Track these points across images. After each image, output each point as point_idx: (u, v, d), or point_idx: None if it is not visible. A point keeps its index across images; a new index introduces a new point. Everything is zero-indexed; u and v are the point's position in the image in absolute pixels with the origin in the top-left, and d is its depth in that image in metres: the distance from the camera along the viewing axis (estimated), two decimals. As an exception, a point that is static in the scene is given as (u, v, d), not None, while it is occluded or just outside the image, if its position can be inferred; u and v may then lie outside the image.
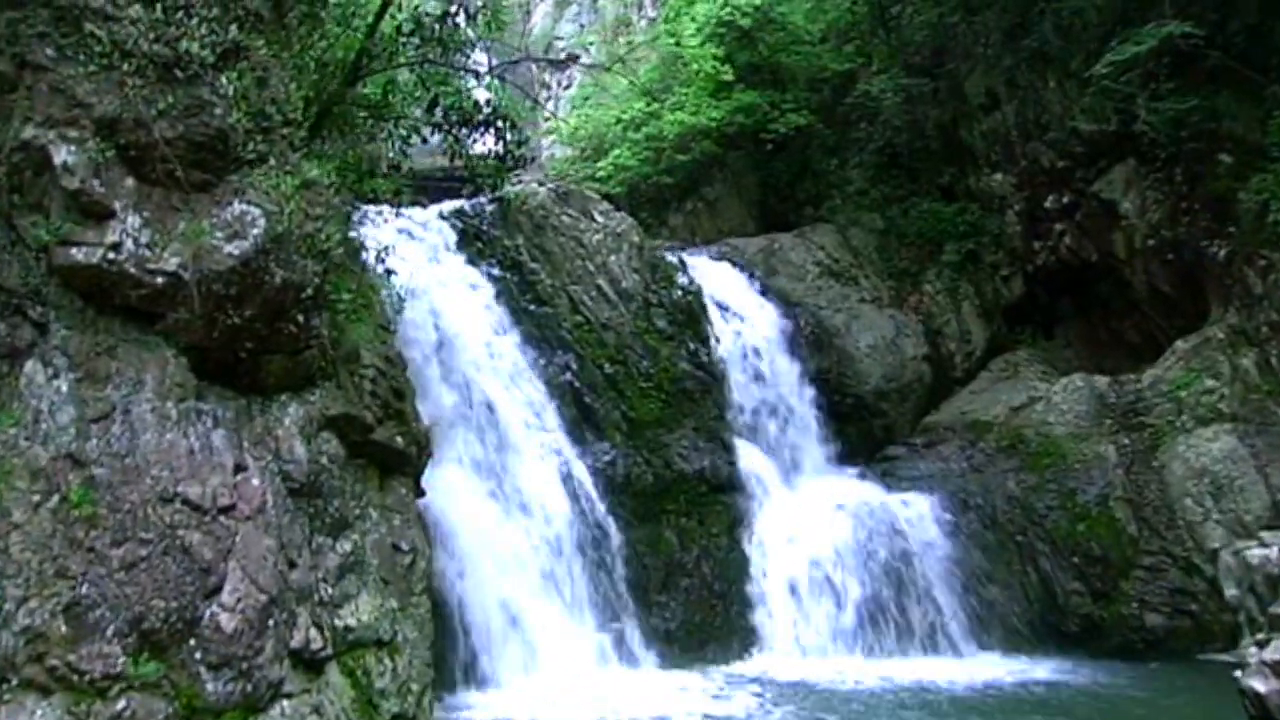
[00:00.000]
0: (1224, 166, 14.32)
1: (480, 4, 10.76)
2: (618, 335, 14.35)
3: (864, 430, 15.47)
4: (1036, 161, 16.67)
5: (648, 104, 17.41)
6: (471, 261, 14.40)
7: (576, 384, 13.81)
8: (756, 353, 15.01)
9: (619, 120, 18.02)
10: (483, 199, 15.06)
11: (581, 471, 13.07)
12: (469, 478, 12.29)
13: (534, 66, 35.78)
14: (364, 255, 13.05)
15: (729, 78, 16.56)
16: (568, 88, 34.53)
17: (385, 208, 12.51)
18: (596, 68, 17.59)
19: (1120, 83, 14.47)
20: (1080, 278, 16.56)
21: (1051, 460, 13.72)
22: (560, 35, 35.69)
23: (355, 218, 12.87)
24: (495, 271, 14.45)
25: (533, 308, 14.32)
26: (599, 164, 18.20)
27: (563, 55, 35.60)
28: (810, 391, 15.12)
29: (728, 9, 16.24)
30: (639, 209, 19.14)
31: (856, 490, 14.16)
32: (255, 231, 7.74)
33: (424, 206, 15.38)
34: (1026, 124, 16.79)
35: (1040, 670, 12.25)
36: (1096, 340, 17.00)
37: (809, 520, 13.67)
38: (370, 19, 10.35)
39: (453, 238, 14.52)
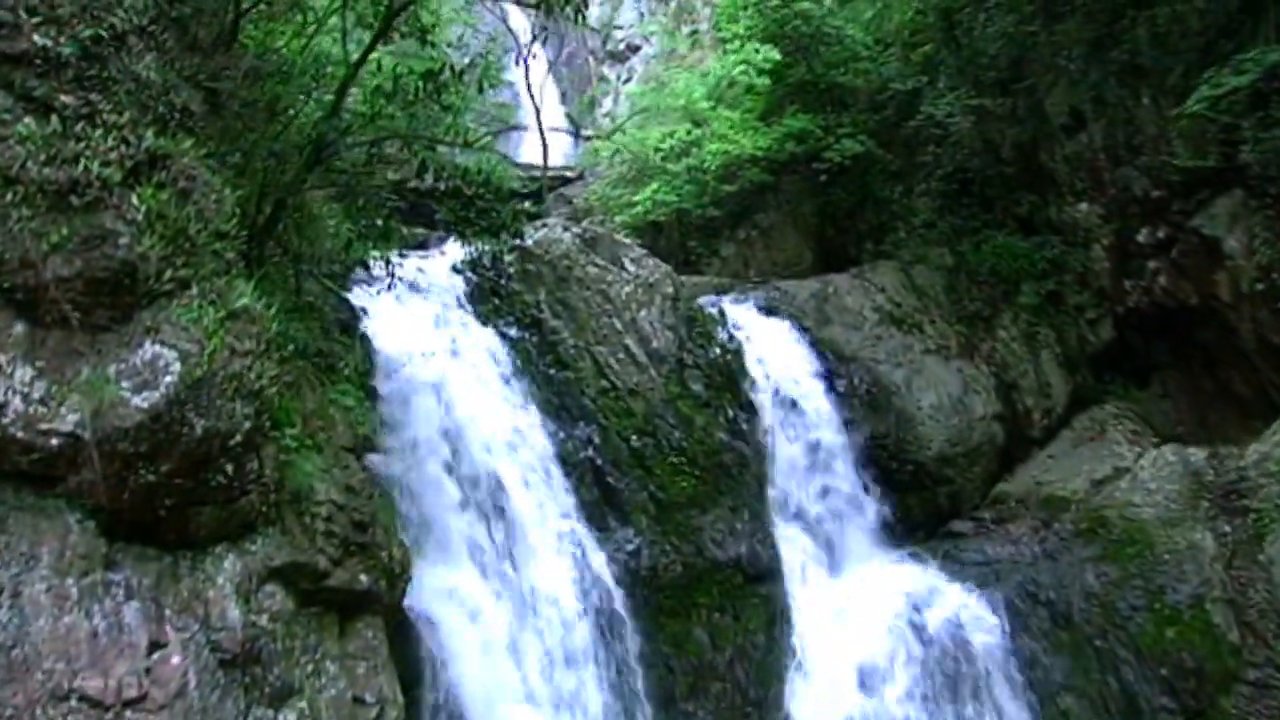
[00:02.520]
0: (1347, 205, 12.75)
1: (467, 61, 9.73)
2: (647, 403, 13.35)
3: (926, 500, 14.27)
4: (1127, 190, 15.16)
5: (688, 131, 16.29)
6: (485, 320, 13.54)
7: (599, 461, 12.85)
8: (803, 417, 13.88)
9: (658, 148, 16.94)
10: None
11: (601, 564, 12.13)
12: (470, 578, 11.43)
13: (590, 59, 34.87)
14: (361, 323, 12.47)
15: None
16: (627, 81, 33.44)
17: (385, 266, 11.76)
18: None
19: (1221, 109, 12.98)
20: (1178, 321, 15.05)
21: (1137, 550, 12.37)
22: (620, 24, 34.54)
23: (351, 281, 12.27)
24: (512, 332, 13.57)
25: (553, 372, 13.40)
26: (637, 196, 17.16)
27: (621, 45, 34.56)
28: (864, 460, 13.95)
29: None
30: (688, 237, 18.21)
31: (913, 578, 12.98)
32: (168, 379, 6.95)
33: (442, 242, 14.64)
34: (1116, 147, 15.27)
35: (1122, 799, 11.04)
36: (1199, 390, 15.47)
37: (857, 614, 12.58)
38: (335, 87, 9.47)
39: (464, 293, 13.66)
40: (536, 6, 8.89)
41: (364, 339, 12.31)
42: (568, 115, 34.86)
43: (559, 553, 12.03)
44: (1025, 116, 16.05)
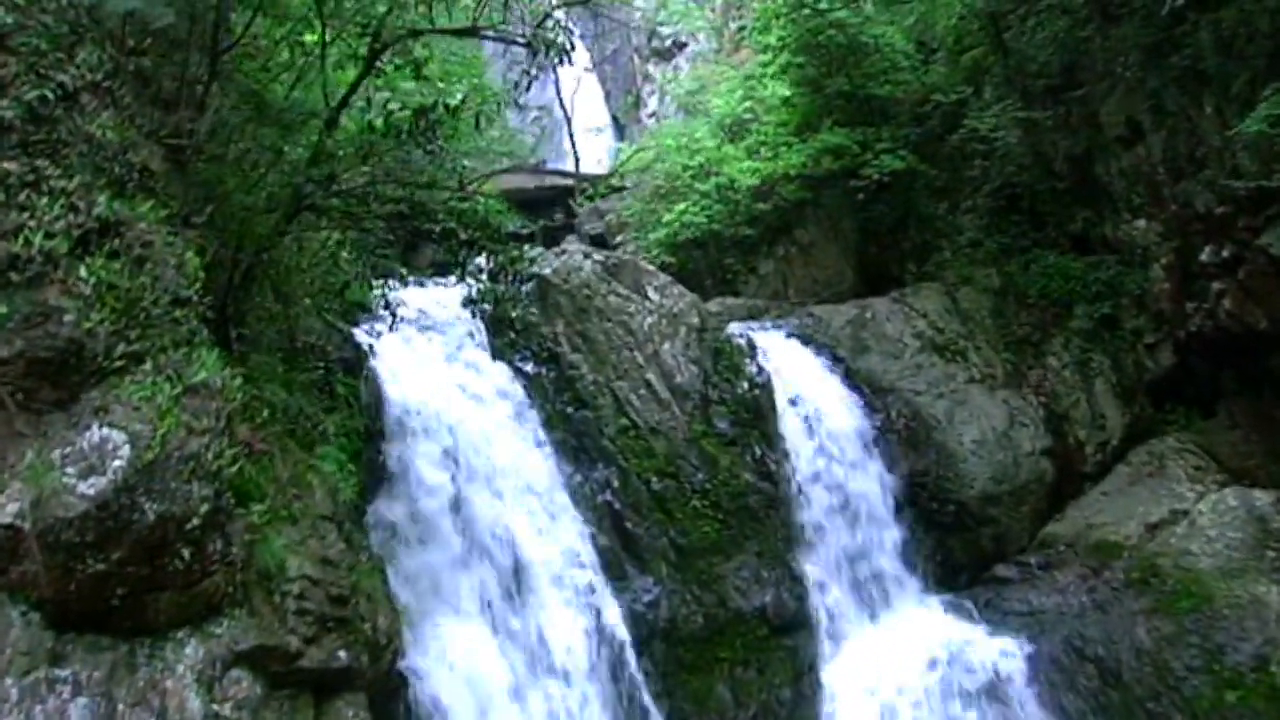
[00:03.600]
0: None
1: (461, 98, 9.36)
2: (669, 442, 12.93)
3: (969, 543, 13.64)
4: (1189, 205, 14.32)
5: (717, 147, 15.78)
6: (499, 355, 13.20)
7: (617, 505, 12.47)
8: (835, 455, 13.35)
9: (686, 167, 16.45)
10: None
11: (617, 616, 11.74)
12: (476, 633, 11.11)
13: (636, 57, 34.44)
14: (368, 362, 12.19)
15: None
16: (672, 80, 32.94)
17: (385, 307, 11.45)
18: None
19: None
20: (1246, 347, 14.20)
21: (1193, 603, 11.65)
22: (664, 20, 33.98)
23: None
24: (528, 367, 13.23)
25: (570, 411, 13.03)
26: (666, 217, 16.70)
27: (668, 42, 34.06)
28: (902, 500, 13.40)
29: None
30: (725, 254, 17.75)
31: (952, 630, 12.42)
32: (117, 463, 6.67)
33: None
34: (1177, 159, 14.44)
35: None
36: (1271, 421, 14.52)
37: (890, 669, 12.05)
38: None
39: (478, 326, 13.30)
40: (526, 45, 8.50)
41: (369, 378, 12.05)
42: (613, 116, 34.51)
43: (572, 604, 11.68)
44: (1079, 127, 15.29)
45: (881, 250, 16.86)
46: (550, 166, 26.21)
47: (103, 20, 7.40)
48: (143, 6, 7.40)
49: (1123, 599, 12.10)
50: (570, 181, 22.50)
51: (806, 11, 15.02)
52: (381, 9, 8.96)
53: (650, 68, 33.86)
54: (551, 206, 22.91)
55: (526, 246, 10.89)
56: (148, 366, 6.98)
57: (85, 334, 6.69)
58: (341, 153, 9.68)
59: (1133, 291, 14.73)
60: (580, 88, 28.11)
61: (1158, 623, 11.69)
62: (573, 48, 8.47)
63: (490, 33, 9.06)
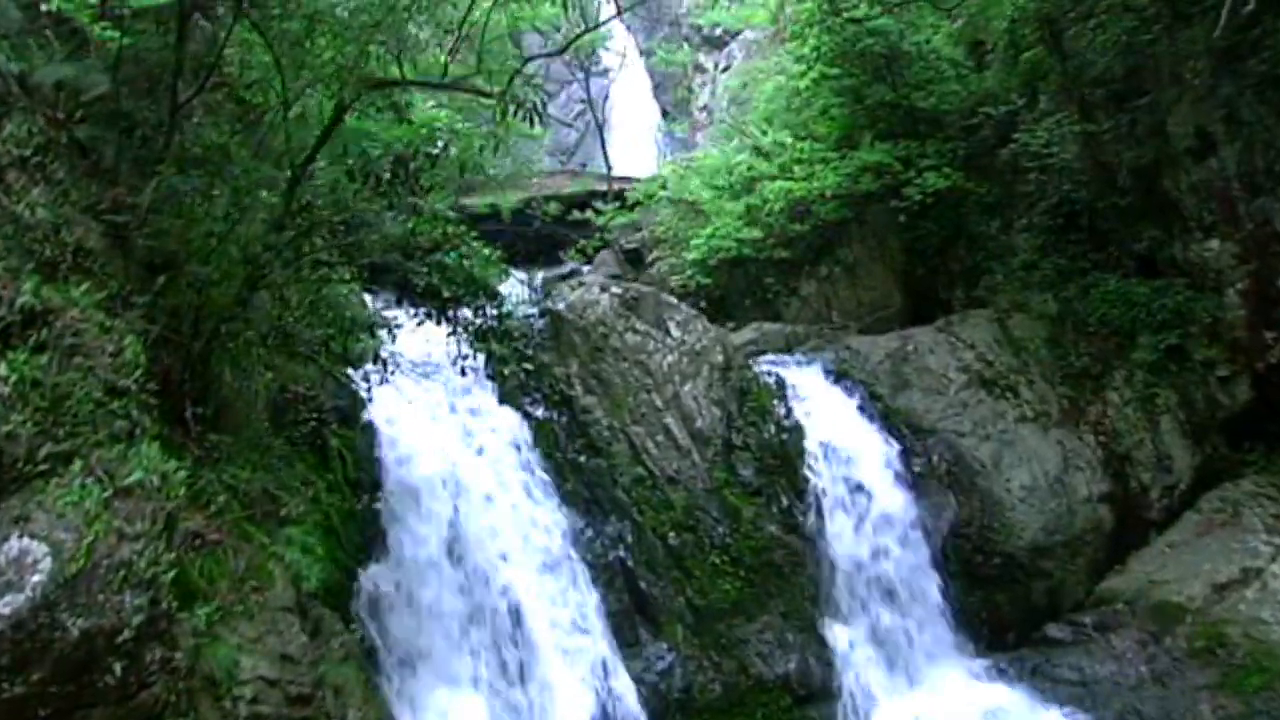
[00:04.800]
0: None
1: (441, 145, 9.03)
2: (688, 493, 12.52)
3: (1017, 598, 13.03)
4: (1267, 224, 13.60)
5: (748, 167, 15.28)
6: (507, 399, 12.86)
7: (630, 562, 12.09)
8: (870, 504, 12.83)
9: (716, 187, 15.98)
10: (531, 309, 13.59)
11: (627, 687, 11.37)
12: (475, 705, 10.83)
13: (686, 46, 33.87)
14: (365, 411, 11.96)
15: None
16: (725, 69, 32.42)
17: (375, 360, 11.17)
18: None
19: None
20: (1331, 381, 13.44)
21: (1265, 679, 10.97)
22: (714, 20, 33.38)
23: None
24: (539, 412, 12.89)
25: (582, 459, 12.67)
26: (694, 240, 16.24)
27: (718, 30, 33.49)
28: (943, 552, 12.84)
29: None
30: (764, 274, 17.22)
31: (995, 699, 11.85)
32: (37, 578, 6.43)
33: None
34: (1253, 173, 13.69)
35: None
36: (1361, 463, 13.79)
37: (927, 746, 11.52)
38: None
39: (485, 368, 12.96)
40: (497, 99, 8.12)
41: (365, 428, 11.83)
42: (663, 109, 34.06)
43: (579, 674, 11.33)
44: (1144, 138, 14.52)
45: (929, 272, 16.22)
46: (590, 169, 25.86)
47: (33, 90, 7.16)
48: (76, 73, 7.14)
49: (1185, 671, 11.45)
50: (615, 185, 22.10)
51: (842, 20, 14.44)
52: (349, 52, 8.63)
53: (701, 57, 33.31)
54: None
55: (516, 299, 10.51)
56: (76, 468, 6.74)
57: (4, 438, 6.46)
58: (321, 200, 9.40)
59: (1204, 319, 13.96)
60: (622, 82, 27.60)
61: (1224, 701, 11.03)
62: (545, 105, 8.09)
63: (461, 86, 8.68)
